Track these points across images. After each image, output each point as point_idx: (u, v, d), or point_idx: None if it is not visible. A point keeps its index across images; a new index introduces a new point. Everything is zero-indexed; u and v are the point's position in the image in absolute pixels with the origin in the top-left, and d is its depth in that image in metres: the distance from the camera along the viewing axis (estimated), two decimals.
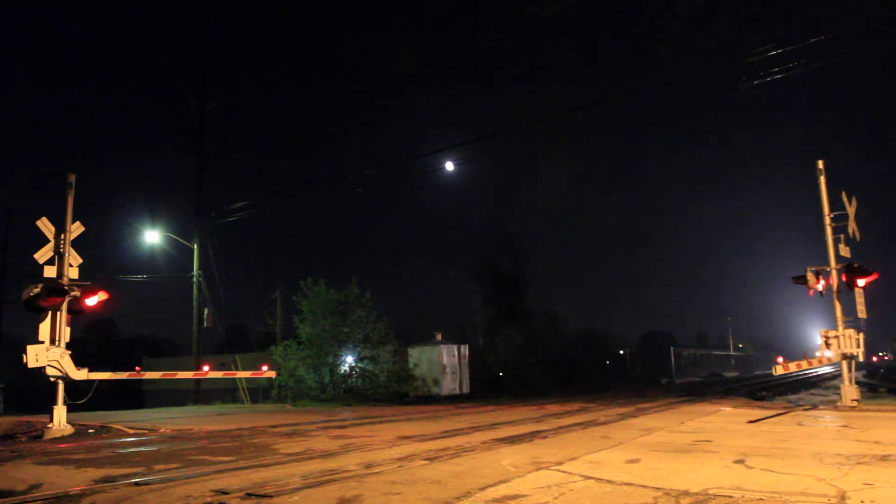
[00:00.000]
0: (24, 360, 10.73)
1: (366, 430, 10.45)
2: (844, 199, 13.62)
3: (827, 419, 10.94)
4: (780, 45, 14.91)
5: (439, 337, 26.90)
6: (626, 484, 5.10)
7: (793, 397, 20.73)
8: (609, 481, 5.22)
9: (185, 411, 17.94)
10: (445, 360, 25.61)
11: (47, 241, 11.35)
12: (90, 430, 11.44)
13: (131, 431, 11.18)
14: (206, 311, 25.13)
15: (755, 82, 15.50)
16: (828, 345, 13.17)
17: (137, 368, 15.91)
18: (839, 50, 14.97)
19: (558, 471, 5.73)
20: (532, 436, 8.84)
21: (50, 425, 10.84)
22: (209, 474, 6.00)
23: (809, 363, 14.38)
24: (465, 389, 26.17)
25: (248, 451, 7.83)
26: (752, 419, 10.92)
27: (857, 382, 13.64)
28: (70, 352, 11.15)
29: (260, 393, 25.96)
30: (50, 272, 11.21)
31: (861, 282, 12.99)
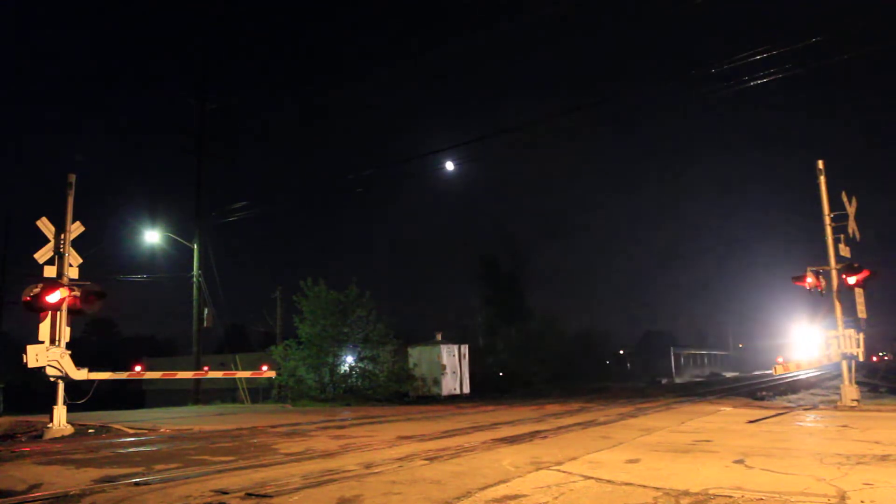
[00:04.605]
0: (24, 360, 10.73)
1: (366, 430, 10.45)
2: (844, 199, 13.63)
3: (827, 419, 10.94)
4: (778, 46, 14.92)
5: (439, 337, 26.90)
6: (626, 484, 5.10)
7: (793, 397, 20.72)
8: (609, 481, 5.22)
9: (184, 411, 17.94)
10: (445, 360, 25.61)
11: (47, 241, 11.35)
12: (90, 430, 11.43)
13: (131, 431, 11.18)
14: (206, 311, 25.12)
15: (753, 83, 15.51)
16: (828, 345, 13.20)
17: (138, 368, 15.90)
18: (839, 50, 14.93)
19: (558, 471, 5.74)
20: (532, 436, 8.84)
21: (50, 425, 10.84)
22: (209, 474, 6.00)
23: (809, 363, 14.37)
24: (465, 389, 26.18)
25: (248, 451, 7.83)
26: (752, 419, 10.93)
27: (858, 382, 13.64)
28: (70, 352, 11.15)
29: (260, 393, 25.95)
30: (50, 272, 11.21)
31: (852, 279, 12.99)
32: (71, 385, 11.34)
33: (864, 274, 12.96)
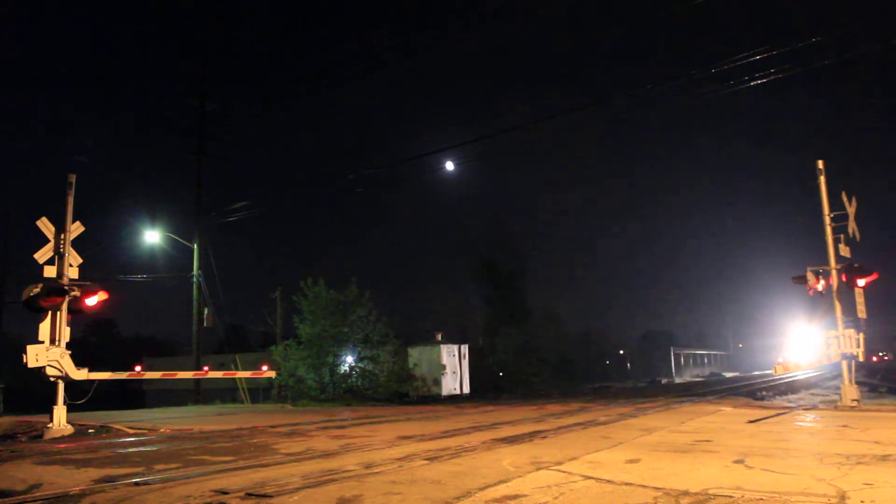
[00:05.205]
0: (24, 360, 10.73)
1: (366, 430, 10.45)
2: (844, 199, 13.62)
3: (827, 419, 10.94)
4: (777, 46, 14.94)
5: (439, 337, 26.93)
6: (626, 484, 5.10)
7: (793, 397, 20.76)
8: (609, 481, 5.22)
9: (185, 411, 17.94)
10: (445, 360, 25.63)
11: (47, 241, 11.35)
12: (90, 430, 11.44)
13: (131, 431, 11.18)
14: (206, 311, 25.14)
15: (752, 83, 15.52)
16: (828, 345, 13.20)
17: (138, 368, 15.89)
18: (838, 50, 14.95)
19: (558, 471, 5.74)
20: (532, 436, 8.84)
21: (50, 425, 10.84)
22: (209, 474, 6.00)
23: (809, 363, 14.37)
24: (465, 389, 26.20)
25: (248, 451, 7.83)
26: (752, 419, 10.93)
27: (858, 382, 13.64)
28: (70, 352, 11.15)
29: (260, 393, 25.97)
30: (50, 272, 11.21)
31: (861, 282, 13.00)
32: (71, 385, 11.34)
33: (873, 276, 12.95)
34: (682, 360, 69.90)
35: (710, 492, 4.71)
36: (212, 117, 27.61)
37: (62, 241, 11.37)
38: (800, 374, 35.00)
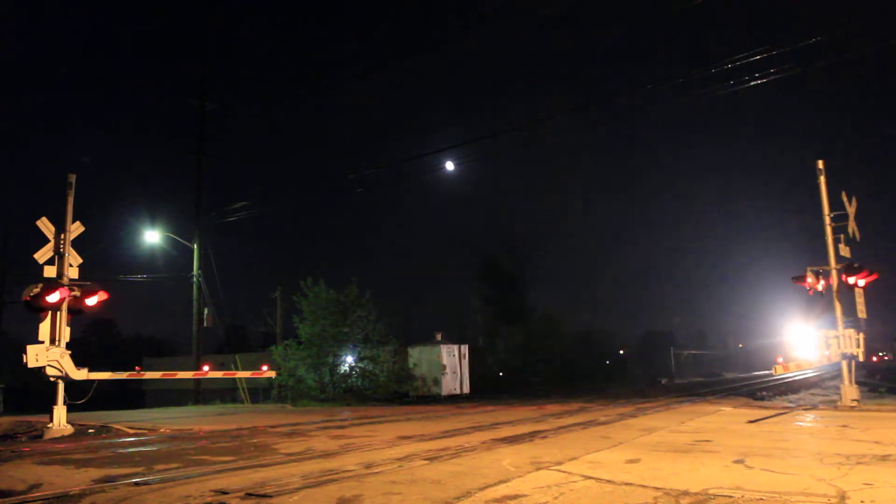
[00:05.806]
0: (24, 360, 10.73)
1: (366, 430, 10.45)
2: (844, 199, 13.63)
3: (827, 419, 10.94)
4: (777, 46, 14.94)
5: (439, 337, 26.89)
6: (626, 484, 5.10)
7: (793, 397, 20.72)
8: (609, 481, 5.22)
9: (185, 411, 17.94)
10: (445, 360, 25.60)
11: (47, 241, 11.36)
12: (90, 430, 11.44)
13: (131, 431, 11.18)
14: (206, 311, 25.12)
15: (752, 83, 15.51)
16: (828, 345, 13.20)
17: (137, 368, 15.91)
18: (838, 49, 14.95)
19: (558, 471, 5.74)
20: (532, 436, 8.85)
21: (50, 425, 10.84)
22: (209, 474, 6.01)
23: (809, 363, 14.37)
24: (465, 389, 26.17)
25: (248, 451, 7.83)
26: (752, 419, 10.93)
27: (858, 382, 13.64)
28: (70, 352, 11.16)
29: (260, 393, 25.95)
30: (50, 272, 11.22)
31: (861, 282, 13.01)
32: (71, 385, 11.35)
33: (874, 276, 12.96)
34: (682, 360, 69.83)
35: (710, 492, 4.71)
36: (212, 117, 27.58)
37: (62, 241, 11.37)
38: (799, 374, 34.99)
